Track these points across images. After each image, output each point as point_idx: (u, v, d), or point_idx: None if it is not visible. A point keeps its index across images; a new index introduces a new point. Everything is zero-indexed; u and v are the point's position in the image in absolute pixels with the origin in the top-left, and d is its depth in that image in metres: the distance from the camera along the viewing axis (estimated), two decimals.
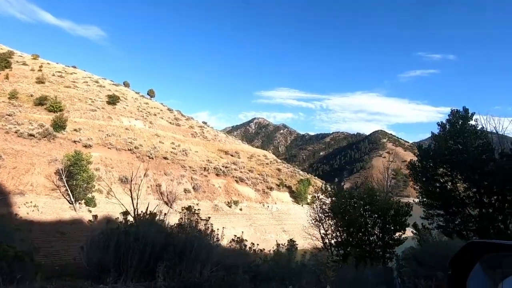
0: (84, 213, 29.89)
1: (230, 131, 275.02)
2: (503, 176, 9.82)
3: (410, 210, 9.91)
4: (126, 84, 77.06)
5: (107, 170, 35.93)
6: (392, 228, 9.33)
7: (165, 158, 42.40)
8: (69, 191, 29.45)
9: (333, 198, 10.89)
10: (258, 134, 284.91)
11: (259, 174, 49.99)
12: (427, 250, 6.36)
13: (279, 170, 57.17)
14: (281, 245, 6.84)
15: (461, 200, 11.47)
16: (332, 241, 10.79)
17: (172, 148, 46.94)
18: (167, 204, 35.74)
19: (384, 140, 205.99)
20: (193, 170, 42.52)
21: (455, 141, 11.10)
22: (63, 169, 29.56)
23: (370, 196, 9.44)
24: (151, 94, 77.14)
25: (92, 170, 31.89)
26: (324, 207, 10.61)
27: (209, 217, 5.79)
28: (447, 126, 11.27)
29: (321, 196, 11.29)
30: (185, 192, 38.47)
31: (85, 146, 37.21)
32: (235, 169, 48.10)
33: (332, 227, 10.24)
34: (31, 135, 34.84)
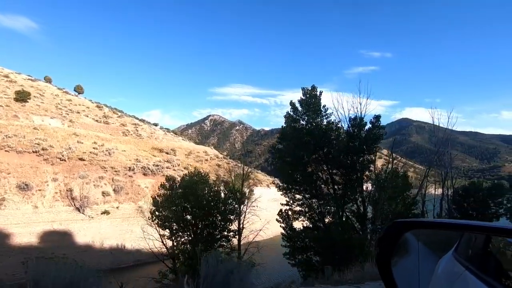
0: None
1: (184, 129, 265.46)
2: (341, 154, 9.42)
3: (240, 198, 8.96)
4: (47, 79, 68.33)
5: (1, 177, 30.85)
6: (218, 220, 8.21)
7: (82, 159, 38.07)
8: None
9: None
10: (214, 131, 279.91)
11: None
12: None
13: (218, 165, 55.72)
14: None
15: (318, 181, 11.03)
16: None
17: (93, 148, 42.44)
18: (78, 210, 32.01)
19: None
20: (116, 171, 38.88)
21: (306, 121, 10.52)
22: None
23: (191, 187, 8.13)
24: (78, 90, 69.60)
25: None
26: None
27: None
28: (298, 106, 10.64)
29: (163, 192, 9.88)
30: (104, 196, 34.91)
31: None
32: (167, 167, 45.38)
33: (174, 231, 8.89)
34: None
